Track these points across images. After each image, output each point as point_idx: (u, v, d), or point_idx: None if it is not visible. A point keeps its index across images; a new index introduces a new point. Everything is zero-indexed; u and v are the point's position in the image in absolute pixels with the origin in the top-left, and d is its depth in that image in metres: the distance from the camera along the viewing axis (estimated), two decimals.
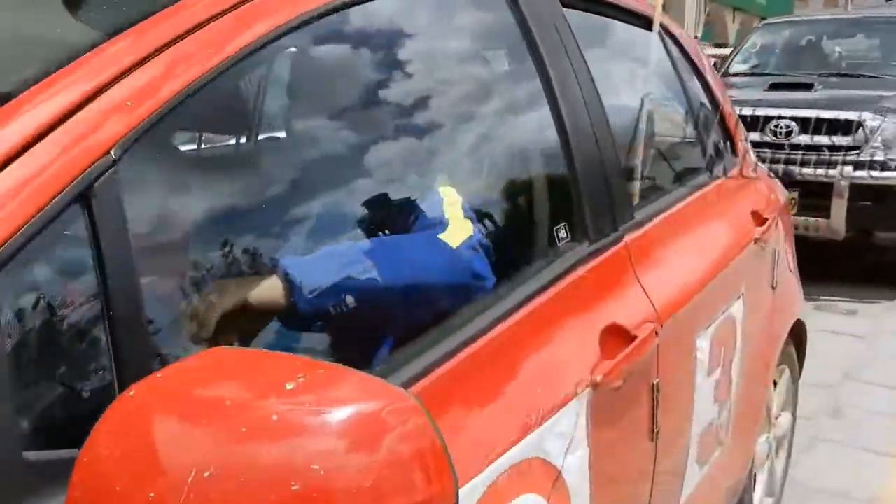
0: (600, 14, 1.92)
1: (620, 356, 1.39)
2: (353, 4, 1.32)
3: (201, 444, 0.67)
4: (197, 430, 0.68)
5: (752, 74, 6.89)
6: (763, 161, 5.47)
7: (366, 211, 1.37)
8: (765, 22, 8.38)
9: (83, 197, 0.77)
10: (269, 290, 1.15)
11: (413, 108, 1.53)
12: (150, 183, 0.92)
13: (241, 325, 1.15)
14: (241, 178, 1.35)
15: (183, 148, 2.05)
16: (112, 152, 0.79)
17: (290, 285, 1.15)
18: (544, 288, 1.36)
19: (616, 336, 1.43)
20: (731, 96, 6.13)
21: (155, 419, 0.66)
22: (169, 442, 0.67)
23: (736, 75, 6.90)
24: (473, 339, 1.21)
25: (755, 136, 5.59)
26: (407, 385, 1.09)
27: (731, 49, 8.56)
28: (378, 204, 1.40)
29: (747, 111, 5.51)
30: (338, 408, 0.67)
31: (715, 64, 7.50)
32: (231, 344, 1.15)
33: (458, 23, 1.55)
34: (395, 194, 1.44)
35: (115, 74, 0.83)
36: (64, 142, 0.77)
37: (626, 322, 1.46)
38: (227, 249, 1.15)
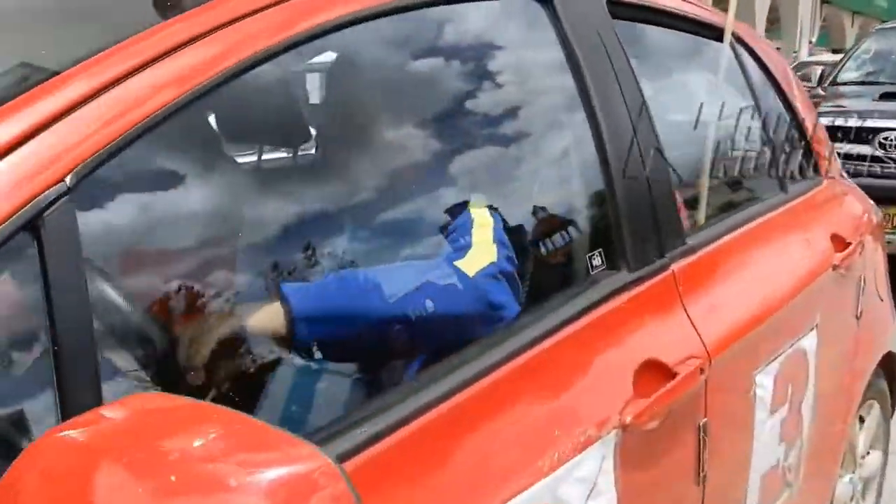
0: (660, 25, 1.80)
1: (656, 395, 1.28)
2: (387, 14, 1.27)
3: (130, 495, 0.63)
4: (128, 481, 0.64)
5: (864, 83, 6.48)
6: (870, 175, 5.16)
7: (385, 233, 1.32)
8: (880, 26, 7.88)
9: (31, 227, 0.74)
10: (268, 316, 1.11)
11: (444, 127, 1.47)
12: (113, 213, 0.90)
13: (240, 353, 1.12)
14: (234, 197, 1.31)
15: (240, 161, 2.08)
16: (67, 180, 0.76)
17: (291, 313, 1.11)
18: (572, 319, 1.27)
19: (654, 373, 1.32)
20: (839, 105, 5.83)
21: (70, 466, 0.63)
22: (90, 490, 0.63)
23: (845, 84, 6.50)
24: (486, 371, 1.14)
25: (863, 148, 5.25)
26: (407, 421, 1.03)
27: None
28: (401, 225, 1.35)
29: (854, 122, 5.18)
30: (266, 469, 0.62)
31: (823, 72, 7.13)
32: (230, 372, 1.13)
33: (494, 38, 1.48)
34: (421, 215, 1.38)
35: (83, 94, 0.80)
36: (13, 166, 0.75)
37: (667, 357, 1.35)
38: (211, 278, 1.12)
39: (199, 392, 1.10)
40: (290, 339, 1.12)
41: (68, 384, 0.74)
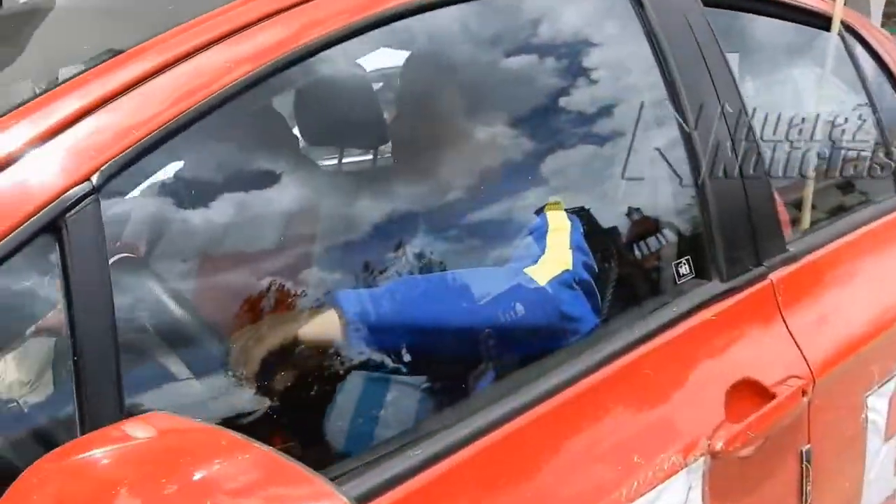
0: (759, 13, 1.66)
1: (751, 418, 1.15)
2: (455, 3, 1.21)
3: None
4: None
5: None
6: None
7: (453, 238, 1.25)
8: None
9: (53, 228, 0.69)
10: (323, 324, 1.05)
11: (520, 125, 1.38)
12: (141, 215, 0.85)
13: (298, 362, 1.06)
14: (284, 199, 1.25)
15: (323, 163, 2.06)
16: (93, 179, 0.71)
17: (347, 321, 1.04)
18: (656, 333, 1.16)
19: (749, 394, 1.19)
20: None
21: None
22: None
23: None
24: (558, 388, 1.04)
25: None
26: (473, 439, 0.95)
27: None
28: (472, 230, 1.27)
29: None
30: None
31: None
32: (286, 380, 1.07)
33: (573, 30, 1.38)
34: (492, 218, 1.29)
35: (113, 90, 0.76)
36: (36, 164, 0.70)
37: (765, 377, 1.22)
38: (263, 283, 1.07)
39: (253, 402, 1.05)
40: (349, 348, 1.05)
41: (89, 393, 0.69)
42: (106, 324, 0.70)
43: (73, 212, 0.71)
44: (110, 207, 0.77)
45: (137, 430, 0.64)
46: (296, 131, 1.60)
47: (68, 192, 0.71)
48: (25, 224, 0.68)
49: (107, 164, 0.74)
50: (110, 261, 1.05)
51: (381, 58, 1.54)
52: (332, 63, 1.20)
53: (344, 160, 2.12)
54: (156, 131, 0.79)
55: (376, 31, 1.07)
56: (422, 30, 1.31)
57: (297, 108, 1.55)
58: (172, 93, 0.83)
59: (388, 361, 1.09)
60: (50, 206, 0.69)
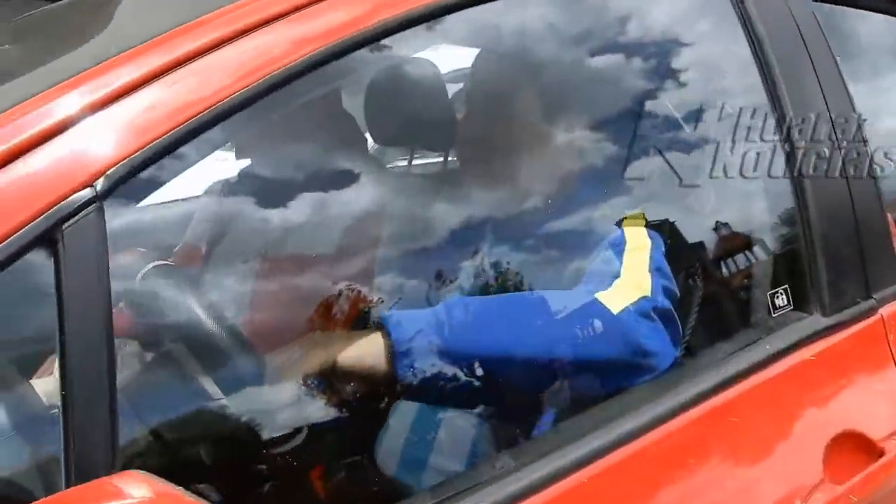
0: (877, 11, 1.48)
1: (855, 479, 1.00)
2: None
3: None
4: None
5: None
6: None
7: (519, 258, 1.12)
8: None
9: (48, 240, 0.60)
10: (366, 349, 0.94)
11: (598, 130, 1.25)
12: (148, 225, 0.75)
13: (337, 389, 0.96)
14: (343, 203, 1.17)
15: (391, 166, 1.97)
16: (96, 185, 0.62)
17: (392, 346, 0.93)
18: (746, 374, 1.01)
19: (852, 449, 1.03)
20: None
21: None
22: None
23: None
24: (629, 436, 0.91)
25: None
26: (522, 495, 0.83)
27: None
28: (540, 248, 1.15)
29: None
30: None
31: None
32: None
33: (660, 26, 1.24)
34: (564, 235, 1.17)
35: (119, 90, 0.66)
36: (34, 168, 0.61)
37: (872, 430, 1.06)
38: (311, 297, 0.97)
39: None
40: (395, 375, 0.94)
41: (78, 430, 0.59)
42: (103, 356, 0.60)
43: (70, 222, 0.61)
44: (123, 212, 0.68)
45: (132, 489, 0.55)
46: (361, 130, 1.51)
47: (67, 200, 0.61)
48: (13, 237, 0.59)
49: (117, 166, 0.64)
50: (143, 270, 0.99)
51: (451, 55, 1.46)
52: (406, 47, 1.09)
53: (414, 161, 2.04)
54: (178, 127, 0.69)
55: (452, 20, 1.00)
56: (499, 23, 1.21)
57: (366, 98, 1.46)
58: (203, 85, 0.73)
59: (437, 392, 0.97)
60: (44, 216, 0.60)
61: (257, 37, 0.81)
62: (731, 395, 0.99)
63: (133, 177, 0.66)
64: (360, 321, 1.03)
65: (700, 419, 0.95)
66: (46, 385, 1.02)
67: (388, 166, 1.99)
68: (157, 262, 1.03)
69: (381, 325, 0.95)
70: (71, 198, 0.61)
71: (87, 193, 0.61)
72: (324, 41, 0.85)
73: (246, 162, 1.38)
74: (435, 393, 0.97)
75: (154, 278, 1.00)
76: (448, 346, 0.94)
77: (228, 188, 1.42)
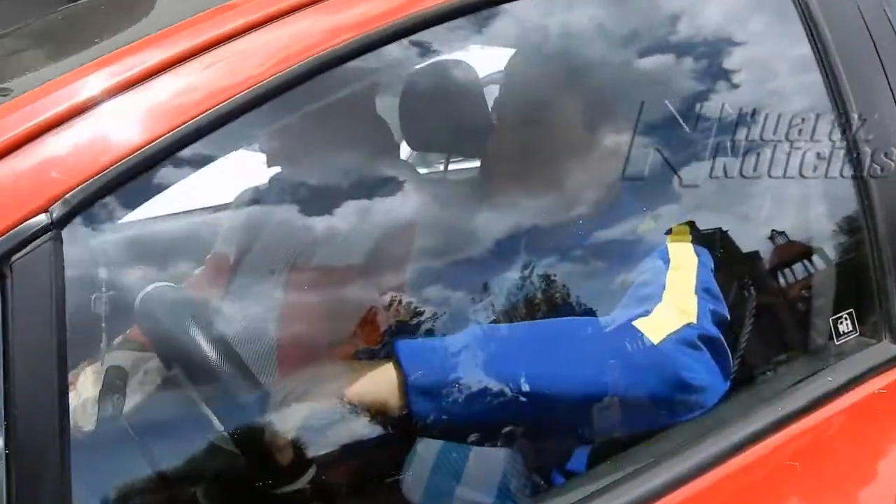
0: None
1: None
2: None
3: None
4: None
5: None
6: None
7: (546, 277, 1.02)
8: None
9: None
10: (376, 382, 0.85)
11: (641, 132, 1.14)
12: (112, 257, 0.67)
13: (345, 426, 0.87)
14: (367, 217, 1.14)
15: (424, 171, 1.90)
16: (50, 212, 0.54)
17: (406, 379, 0.84)
18: (806, 410, 0.89)
19: None
20: None
21: None
22: None
23: None
24: (672, 484, 0.80)
25: None
26: None
27: None
28: (569, 268, 1.05)
29: None
30: None
31: None
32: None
33: (710, 21, 1.13)
34: (597, 252, 1.06)
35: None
36: None
37: None
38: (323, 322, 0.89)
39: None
40: (408, 412, 0.85)
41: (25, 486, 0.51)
42: (54, 410, 0.52)
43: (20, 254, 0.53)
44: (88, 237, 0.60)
45: None
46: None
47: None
48: None
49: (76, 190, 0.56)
50: (142, 293, 0.92)
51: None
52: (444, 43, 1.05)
53: (450, 167, 1.98)
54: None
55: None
56: (537, 21, 1.13)
57: (402, 99, 1.40)
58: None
59: (454, 430, 0.88)
60: None
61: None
62: (788, 435, 0.87)
63: (99, 199, 0.58)
64: (375, 351, 0.94)
65: (753, 465, 0.84)
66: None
67: (424, 172, 1.92)
68: (158, 284, 0.96)
69: (394, 355, 0.86)
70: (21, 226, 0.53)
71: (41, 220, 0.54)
72: (357, 31, 0.79)
73: (273, 169, 1.33)
74: (451, 430, 0.88)
75: (153, 301, 0.93)
76: (465, 382, 0.85)
77: (262, 196, 1.37)
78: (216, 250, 1.39)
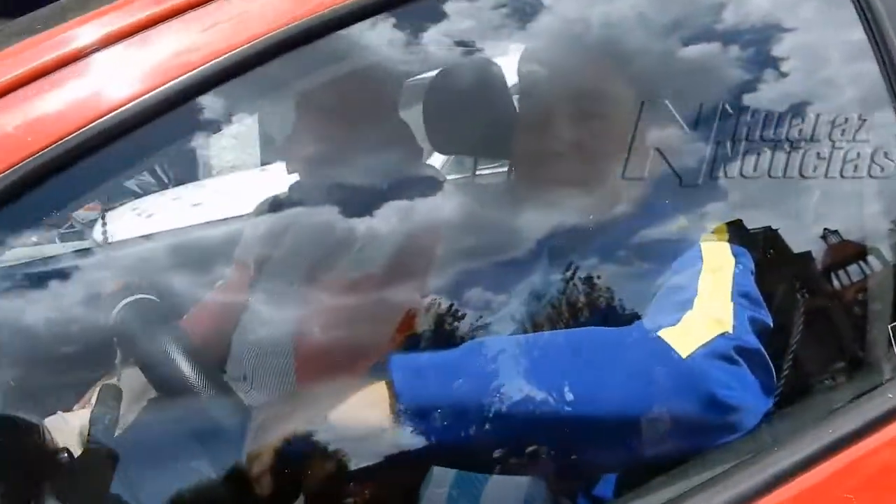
0: None
1: None
2: None
3: None
4: None
5: None
6: None
7: (566, 283, 0.93)
8: None
9: None
10: (364, 404, 0.76)
11: (677, 123, 1.04)
12: None
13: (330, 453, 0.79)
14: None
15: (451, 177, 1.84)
16: None
17: (398, 398, 0.74)
18: (861, 434, 0.78)
19: None
20: None
21: None
22: None
23: None
24: None
25: None
26: None
27: None
28: (594, 272, 0.95)
29: None
30: None
31: None
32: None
33: (759, 11, 1.03)
34: (625, 255, 0.96)
35: None
36: None
37: None
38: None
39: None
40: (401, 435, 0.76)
41: None
42: None
43: None
44: None
45: None
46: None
47: None
48: None
49: None
50: (119, 305, 0.85)
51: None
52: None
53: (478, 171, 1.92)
54: None
55: None
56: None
57: (426, 100, 1.37)
58: None
59: (457, 455, 0.78)
60: None
61: None
62: (842, 462, 0.76)
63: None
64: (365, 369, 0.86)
65: (800, 497, 0.72)
66: (80, 419, 0.91)
67: (451, 177, 1.87)
68: (136, 296, 0.89)
69: (387, 372, 0.77)
70: None
71: None
72: None
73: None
74: (454, 460, 0.79)
75: (129, 315, 0.87)
76: (466, 400, 0.75)
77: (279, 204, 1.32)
78: (236, 258, 1.35)
